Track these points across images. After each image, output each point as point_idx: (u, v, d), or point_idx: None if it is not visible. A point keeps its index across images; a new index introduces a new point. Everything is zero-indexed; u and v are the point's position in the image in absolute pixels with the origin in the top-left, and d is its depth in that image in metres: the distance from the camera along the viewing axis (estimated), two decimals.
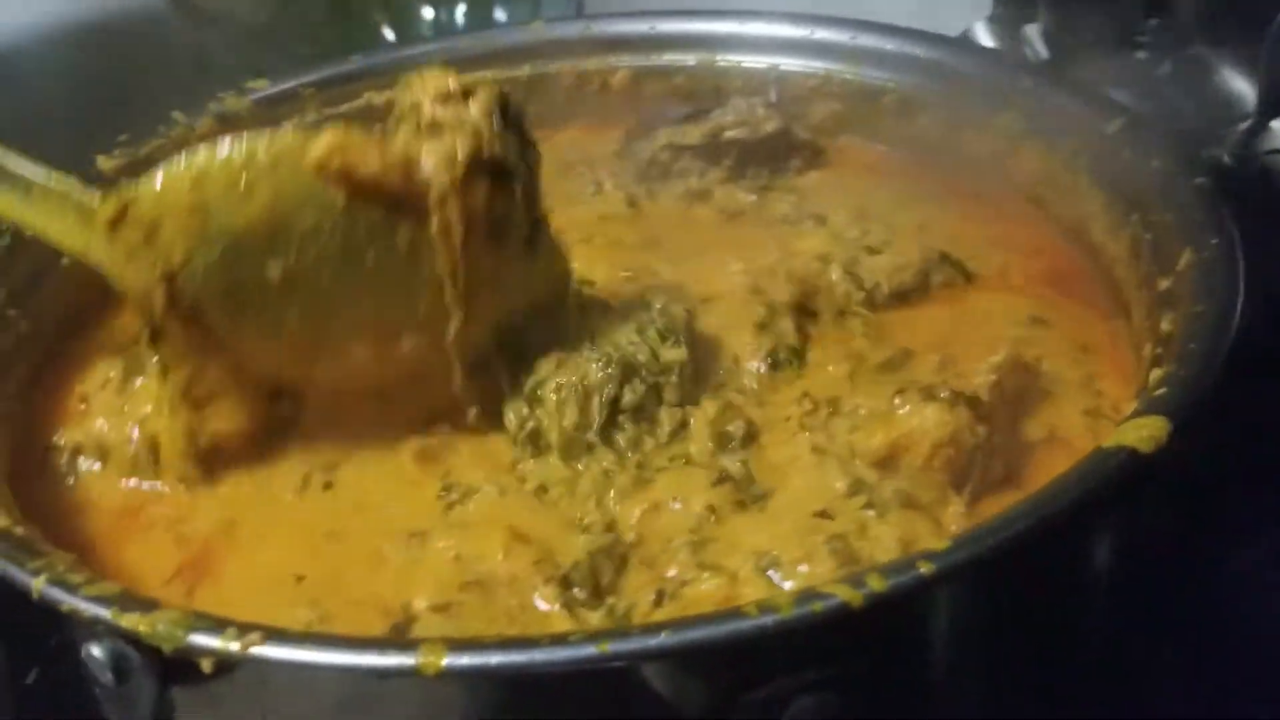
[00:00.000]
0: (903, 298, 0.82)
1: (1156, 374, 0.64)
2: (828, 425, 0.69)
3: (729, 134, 1.00)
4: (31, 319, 0.82)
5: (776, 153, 1.00)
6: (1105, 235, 0.85)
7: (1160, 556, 0.76)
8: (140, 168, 0.91)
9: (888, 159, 1.03)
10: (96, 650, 0.58)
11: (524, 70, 1.09)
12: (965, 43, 1.11)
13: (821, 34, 1.05)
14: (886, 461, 0.66)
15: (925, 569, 0.52)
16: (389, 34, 1.34)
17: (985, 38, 1.19)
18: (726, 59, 1.08)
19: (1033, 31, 1.37)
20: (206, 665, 0.52)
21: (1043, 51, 1.27)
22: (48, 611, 0.67)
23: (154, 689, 0.56)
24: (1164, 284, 0.74)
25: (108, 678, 0.58)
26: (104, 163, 0.92)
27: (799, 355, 0.76)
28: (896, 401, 0.67)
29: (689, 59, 1.09)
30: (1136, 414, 0.60)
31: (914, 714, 0.60)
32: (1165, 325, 0.70)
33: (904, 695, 0.59)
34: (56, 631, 0.87)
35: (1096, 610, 0.67)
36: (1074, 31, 1.32)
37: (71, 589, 0.54)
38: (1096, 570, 0.63)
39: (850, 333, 0.79)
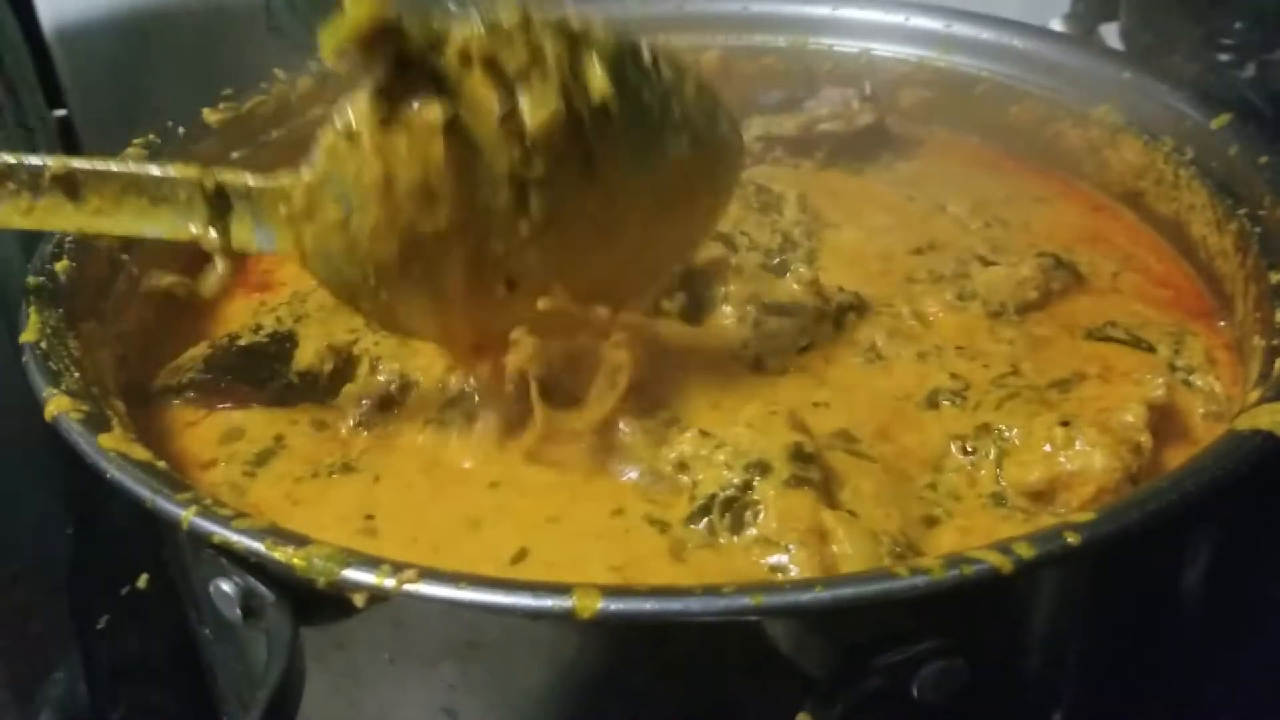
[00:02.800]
0: (1024, 309, 0.81)
1: None
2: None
3: (823, 126, 1.00)
4: (140, 265, 0.82)
5: (869, 145, 1.01)
6: (1207, 229, 0.85)
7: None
8: (244, 122, 0.94)
9: (980, 150, 1.03)
10: (226, 586, 0.58)
11: None
12: (1062, 34, 1.11)
13: (916, 21, 1.05)
14: (1040, 496, 0.66)
15: (1072, 539, 0.52)
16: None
17: None
18: (818, 42, 1.08)
19: (1111, 30, 1.38)
20: (359, 600, 0.52)
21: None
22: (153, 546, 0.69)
23: (287, 630, 0.57)
24: (1276, 277, 0.74)
25: (235, 614, 0.59)
26: (209, 115, 0.93)
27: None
28: (1060, 434, 0.66)
29: (780, 40, 1.09)
30: (1267, 399, 0.60)
31: (1038, 688, 0.60)
32: None
33: (1029, 668, 0.60)
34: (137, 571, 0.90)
35: (1205, 597, 0.68)
36: (1155, 31, 1.32)
37: (223, 521, 0.55)
38: (1214, 555, 0.63)
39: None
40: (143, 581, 1.00)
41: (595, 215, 0.63)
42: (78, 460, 0.61)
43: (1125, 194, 0.94)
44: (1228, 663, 0.79)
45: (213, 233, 0.63)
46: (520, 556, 0.61)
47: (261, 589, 0.57)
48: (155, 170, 0.64)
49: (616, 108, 0.60)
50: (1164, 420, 0.70)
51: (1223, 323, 0.81)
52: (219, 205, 0.63)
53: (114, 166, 0.64)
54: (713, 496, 0.62)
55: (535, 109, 0.59)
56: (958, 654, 0.54)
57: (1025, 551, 0.51)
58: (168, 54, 1.43)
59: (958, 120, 1.05)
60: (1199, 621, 0.71)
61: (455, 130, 0.58)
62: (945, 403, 0.72)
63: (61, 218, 0.65)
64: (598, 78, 0.60)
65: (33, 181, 0.64)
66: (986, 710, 0.61)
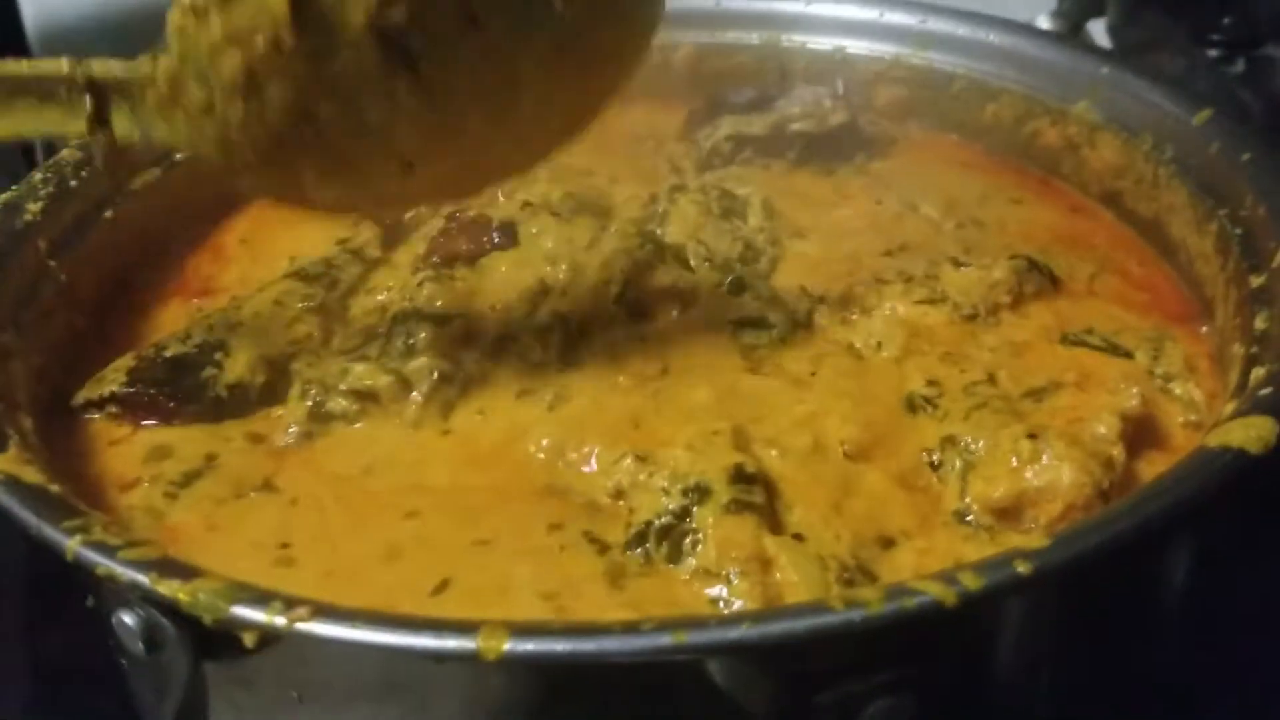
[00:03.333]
0: (994, 311, 0.77)
1: (1259, 372, 0.61)
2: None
3: (795, 126, 0.97)
4: (69, 271, 0.79)
5: (842, 145, 0.97)
6: (1187, 230, 0.81)
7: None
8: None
9: (956, 149, 0.99)
10: (128, 618, 0.55)
11: None
12: (1039, 30, 1.07)
13: (890, 16, 1.02)
14: (1006, 513, 0.62)
15: (1022, 568, 0.48)
16: None
17: None
18: (791, 39, 1.05)
19: (1098, 27, 1.34)
20: (249, 640, 0.49)
21: (1108, 47, 1.24)
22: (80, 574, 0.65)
23: (187, 663, 0.54)
24: (1257, 281, 0.70)
25: (138, 648, 0.55)
26: None
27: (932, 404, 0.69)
28: (1026, 447, 0.63)
29: (753, 37, 1.06)
30: (1241, 413, 0.57)
31: (987, 704, 0.57)
32: (1260, 323, 0.67)
33: (990, 704, 0.56)
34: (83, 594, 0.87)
35: (1177, 625, 0.64)
36: (1143, 27, 1.28)
37: (109, 551, 0.51)
38: (1189, 578, 0.59)
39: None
40: (90, 601, 0.97)
41: (484, 74, 0.59)
42: None
43: (1104, 194, 0.91)
44: (1209, 686, 0.75)
45: (94, 128, 0.62)
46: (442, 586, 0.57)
47: (162, 620, 0.54)
48: (28, 69, 0.63)
49: None
50: (1142, 430, 0.67)
51: (1204, 329, 0.77)
52: (99, 100, 0.61)
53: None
54: (648, 524, 0.59)
55: None
56: (907, 689, 0.51)
57: (971, 582, 0.47)
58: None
59: (934, 118, 1.01)
60: (1176, 646, 0.67)
61: None
62: (921, 409, 0.68)
63: None
64: None
65: None
66: None
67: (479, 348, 0.71)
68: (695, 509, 0.59)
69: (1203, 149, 0.81)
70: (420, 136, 0.60)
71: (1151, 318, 0.78)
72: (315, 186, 0.62)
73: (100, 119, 0.62)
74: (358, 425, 0.69)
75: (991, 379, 0.70)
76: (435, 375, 0.69)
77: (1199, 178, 0.81)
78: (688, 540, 0.58)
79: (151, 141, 0.63)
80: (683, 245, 0.80)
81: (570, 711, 0.52)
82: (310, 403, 0.69)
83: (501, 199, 0.82)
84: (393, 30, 0.56)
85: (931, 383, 0.70)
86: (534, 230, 0.78)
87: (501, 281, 0.73)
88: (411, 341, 0.71)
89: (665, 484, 0.60)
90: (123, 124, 0.62)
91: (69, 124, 0.63)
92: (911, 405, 0.69)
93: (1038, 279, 0.79)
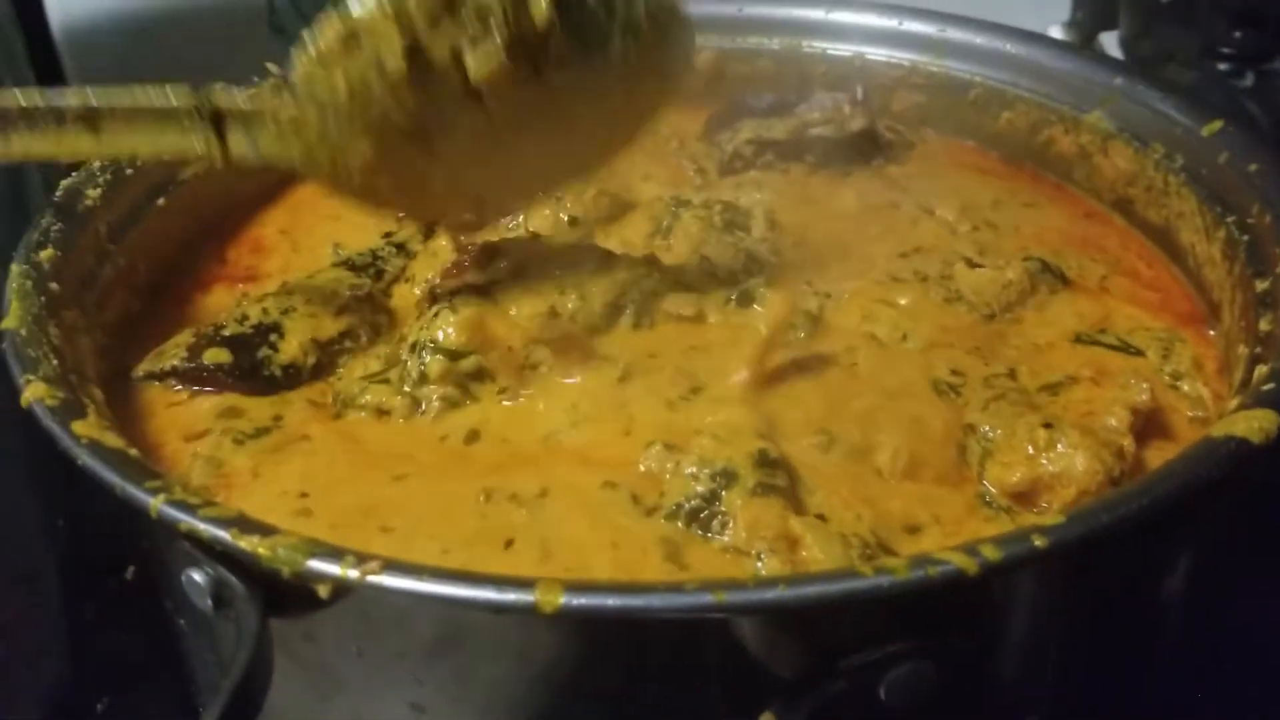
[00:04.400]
0: (1010, 309, 0.81)
1: (1261, 370, 0.64)
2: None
3: (815, 131, 0.99)
4: (126, 255, 0.83)
5: (860, 150, 1.00)
6: (1195, 237, 0.85)
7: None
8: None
9: (972, 155, 1.03)
10: (197, 576, 0.58)
11: None
12: (1054, 40, 1.10)
13: (909, 25, 1.05)
14: (1022, 497, 0.66)
15: (1039, 542, 0.52)
16: None
17: None
18: (812, 46, 1.08)
19: (1110, 39, 1.38)
20: (323, 591, 0.52)
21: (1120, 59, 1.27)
22: (135, 537, 0.69)
23: (255, 619, 0.57)
24: (1262, 285, 0.74)
25: (205, 605, 0.59)
26: None
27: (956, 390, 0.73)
28: (1042, 435, 0.66)
29: (774, 43, 1.09)
30: (1244, 406, 0.60)
31: (1012, 694, 0.60)
32: (1265, 325, 0.70)
33: (1003, 674, 0.59)
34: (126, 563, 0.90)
35: (1182, 605, 0.68)
36: (1155, 40, 1.32)
37: (190, 510, 0.55)
38: (1195, 560, 0.63)
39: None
40: (130, 574, 1.01)
41: (545, 113, 0.71)
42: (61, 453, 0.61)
43: (1116, 201, 0.94)
44: (1211, 669, 0.79)
45: (214, 148, 0.71)
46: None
47: (231, 579, 0.57)
48: (159, 100, 0.70)
49: (560, 29, 0.67)
50: (1150, 424, 0.71)
51: (1212, 331, 0.81)
52: (218, 125, 0.70)
53: (125, 101, 0.70)
54: (678, 506, 0.62)
55: (480, 64, 0.67)
56: (926, 657, 0.54)
57: (991, 554, 0.51)
58: (172, 53, 1.44)
59: (950, 125, 1.04)
60: (1181, 628, 0.71)
61: (415, 53, 0.66)
62: (946, 395, 0.71)
63: (85, 145, 0.71)
64: (540, 10, 0.67)
65: (57, 118, 0.70)
66: (958, 716, 0.61)
67: (489, 377, 0.73)
68: (723, 493, 0.62)
69: (1212, 159, 0.84)
70: (487, 167, 0.72)
71: (1162, 319, 0.81)
72: (393, 197, 0.74)
73: (219, 140, 0.70)
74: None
75: (1012, 373, 0.74)
76: (439, 400, 0.72)
77: (1208, 186, 0.84)
78: (716, 521, 0.62)
79: (263, 158, 0.71)
80: (685, 266, 0.82)
81: (608, 671, 0.56)
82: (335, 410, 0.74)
83: (511, 227, 0.85)
84: (481, 86, 0.68)
85: (956, 372, 0.73)
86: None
87: (513, 308, 0.74)
88: (424, 370, 0.72)
89: (694, 469, 0.64)
90: (238, 144, 0.70)
91: (185, 143, 0.71)
92: (938, 389, 0.72)
93: (1050, 280, 0.83)
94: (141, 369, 0.76)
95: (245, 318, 0.78)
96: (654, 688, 0.55)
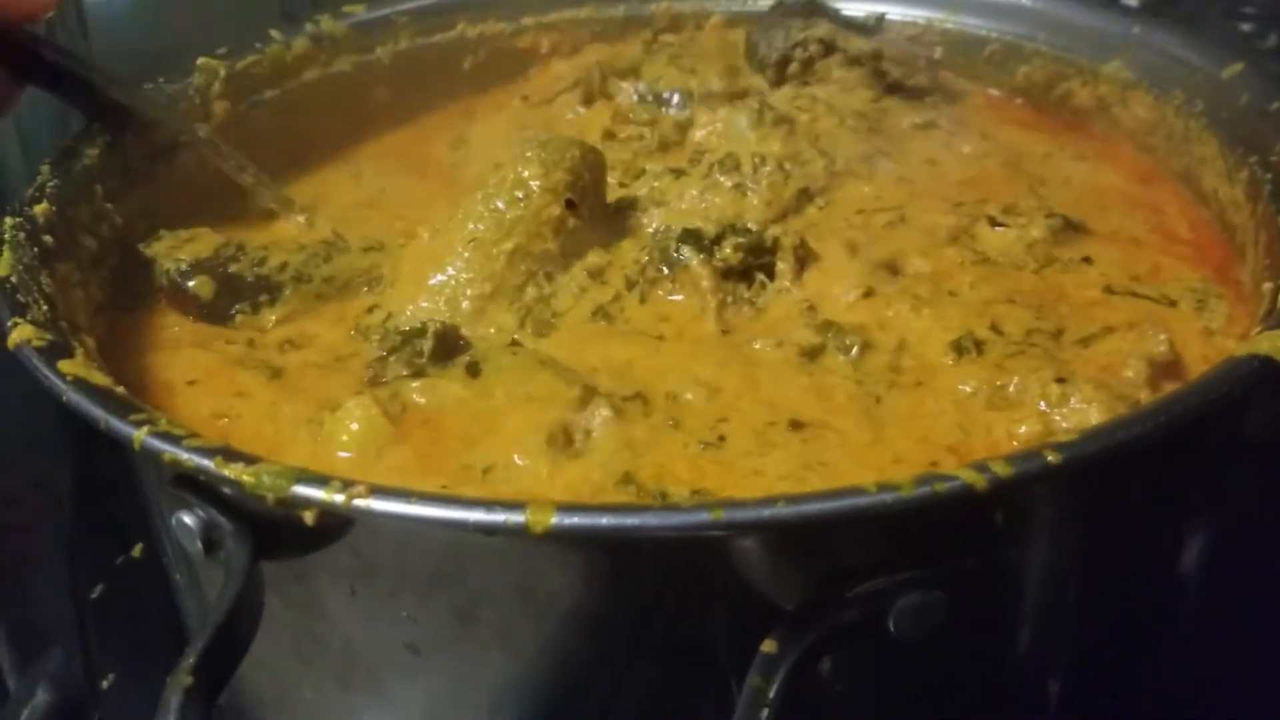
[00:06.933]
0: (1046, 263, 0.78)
1: None
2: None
3: (886, 65, 0.98)
4: (124, 216, 0.81)
5: (908, 97, 0.98)
6: (1218, 181, 0.83)
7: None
8: (238, 80, 0.93)
9: (1020, 110, 1.01)
10: (187, 518, 0.57)
11: (619, 10, 1.10)
12: None
13: None
14: None
15: (1052, 457, 0.49)
16: None
17: None
18: (828, 3, 1.06)
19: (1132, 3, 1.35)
20: (310, 518, 0.51)
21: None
22: (137, 485, 0.67)
23: (246, 559, 0.55)
24: None
25: (196, 548, 0.57)
26: (205, 64, 0.92)
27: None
28: (1055, 391, 0.64)
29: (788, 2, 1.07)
30: (1268, 328, 0.58)
31: (1031, 631, 0.58)
32: None
33: (1019, 608, 0.57)
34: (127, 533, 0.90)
35: (1202, 534, 0.65)
36: (1177, 2, 1.29)
37: (174, 440, 0.53)
38: (1217, 490, 0.60)
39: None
40: (137, 551, 1.00)
41: None
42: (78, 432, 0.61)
43: (1137, 150, 0.92)
44: (1240, 607, 0.76)
45: None
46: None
47: (220, 519, 0.56)
48: None
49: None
50: (1174, 374, 0.68)
51: (1243, 279, 0.78)
52: None
53: None
54: None
55: None
56: (936, 586, 0.52)
57: (1002, 470, 0.49)
58: (185, 35, 1.42)
59: (968, 82, 1.03)
60: (1207, 565, 0.68)
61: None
62: (967, 350, 0.69)
63: None
64: None
65: None
66: (972, 653, 0.58)
67: None
68: None
69: (1233, 101, 0.83)
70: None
71: (1200, 271, 0.78)
72: None
73: None
74: None
75: (1036, 326, 0.71)
76: None
77: (1229, 129, 0.82)
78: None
79: None
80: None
81: (607, 602, 0.54)
82: None
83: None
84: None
85: (994, 327, 0.70)
86: None
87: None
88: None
89: None
90: None
91: None
92: (959, 349, 0.69)
93: (1073, 236, 0.80)
94: (155, 248, 0.78)
95: (264, 260, 0.78)
96: (656, 617, 0.53)
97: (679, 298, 0.75)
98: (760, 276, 0.75)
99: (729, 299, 0.74)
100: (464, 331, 0.71)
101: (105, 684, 0.92)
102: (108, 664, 0.94)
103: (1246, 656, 0.79)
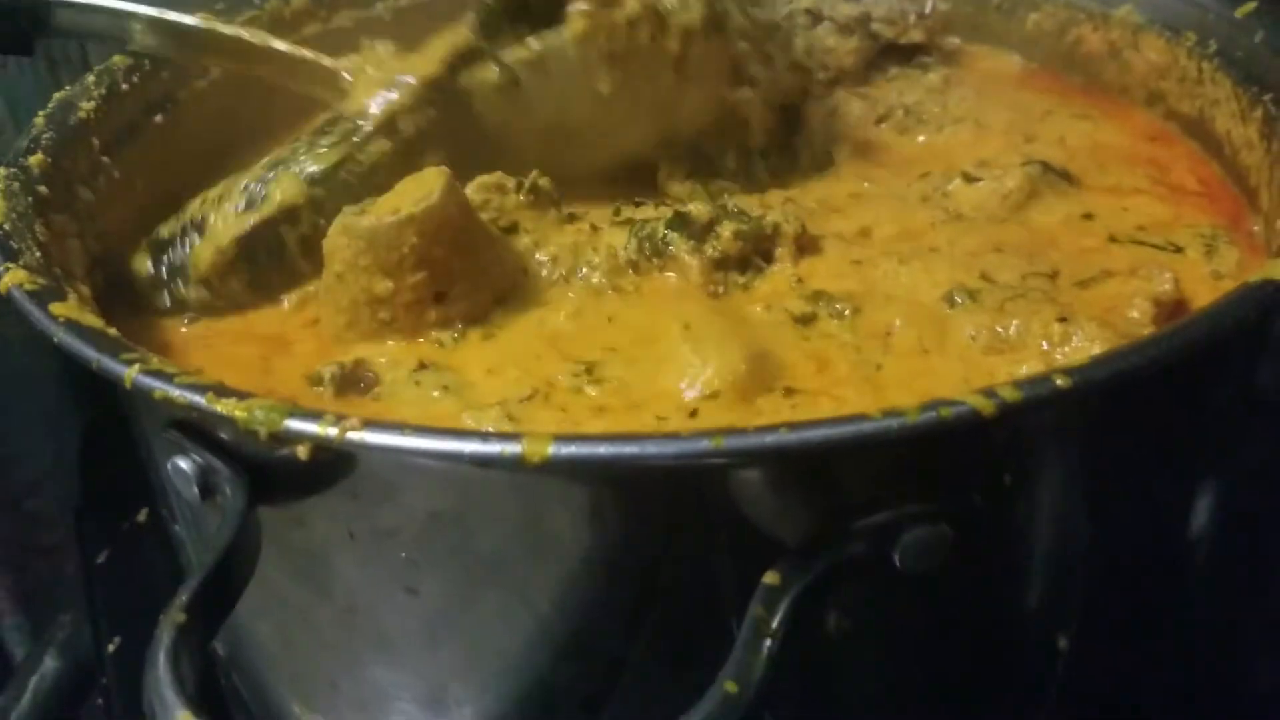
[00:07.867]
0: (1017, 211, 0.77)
1: None
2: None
3: (875, 26, 0.97)
4: (123, 170, 0.80)
5: (904, 58, 0.98)
6: (1231, 122, 0.81)
7: None
8: None
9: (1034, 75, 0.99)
10: (183, 463, 0.56)
11: None
12: None
13: None
14: None
15: (1062, 381, 0.48)
16: None
17: None
18: None
19: None
20: (303, 453, 0.50)
21: None
22: (133, 438, 0.67)
23: (242, 503, 0.54)
24: None
25: (192, 494, 0.57)
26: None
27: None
28: (1057, 330, 0.63)
29: None
30: None
31: (1043, 569, 0.57)
32: None
33: (1030, 545, 0.56)
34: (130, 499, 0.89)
35: (1216, 463, 0.64)
36: None
37: (166, 378, 0.52)
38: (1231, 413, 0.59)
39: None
40: (143, 516, 1.00)
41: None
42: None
43: (1148, 96, 0.91)
44: (1249, 573, 0.75)
45: None
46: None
47: (216, 462, 0.55)
48: None
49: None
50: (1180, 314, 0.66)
51: (1256, 228, 0.76)
52: None
53: None
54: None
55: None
56: (943, 519, 0.51)
57: (1010, 394, 0.48)
58: None
59: (976, 34, 1.02)
60: (1217, 526, 0.66)
61: None
62: (960, 301, 0.68)
63: None
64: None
65: None
66: (978, 592, 0.57)
67: None
68: None
69: (1247, 40, 0.81)
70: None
71: (1208, 216, 0.77)
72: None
73: None
74: None
75: (1035, 272, 0.70)
76: None
77: (1243, 68, 0.81)
78: None
79: None
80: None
81: (607, 536, 0.53)
82: None
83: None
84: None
85: (985, 277, 0.69)
86: None
87: None
88: None
89: None
90: None
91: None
92: (951, 300, 0.68)
93: (1055, 181, 0.79)
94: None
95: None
96: (658, 555, 0.52)
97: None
98: (757, 260, 0.72)
99: (720, 288, 0.71)
100: None
101: (111, 647, 0.92)
102: (114, 628, 0.94)
103: (1254, 622, 0.78)
